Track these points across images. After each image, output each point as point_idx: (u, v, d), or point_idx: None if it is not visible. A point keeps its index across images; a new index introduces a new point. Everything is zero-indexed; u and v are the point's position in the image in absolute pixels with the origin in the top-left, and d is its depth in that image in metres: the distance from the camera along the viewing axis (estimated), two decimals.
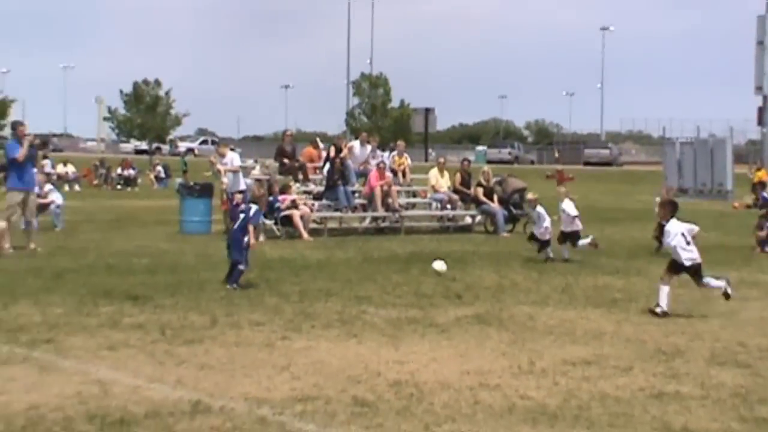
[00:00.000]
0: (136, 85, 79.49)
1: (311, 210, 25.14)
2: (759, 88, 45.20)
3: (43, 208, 24.79)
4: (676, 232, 13.97)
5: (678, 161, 49.05)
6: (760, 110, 45.82)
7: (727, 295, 14.04)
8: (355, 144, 29.17)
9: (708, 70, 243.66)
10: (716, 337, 12.20)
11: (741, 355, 11.10)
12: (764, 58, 44.81)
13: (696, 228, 14.13)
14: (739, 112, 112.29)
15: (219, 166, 24.93)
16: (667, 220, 14.34)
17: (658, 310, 13.67)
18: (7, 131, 68.02)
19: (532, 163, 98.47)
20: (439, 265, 17.20)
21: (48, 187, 26.26)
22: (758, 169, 40.26)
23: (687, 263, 13.89)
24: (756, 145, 58.31)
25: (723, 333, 12.53)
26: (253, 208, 16.26)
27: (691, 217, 33.99)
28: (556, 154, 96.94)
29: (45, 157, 45.60)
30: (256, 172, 26.48)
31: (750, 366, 10.54)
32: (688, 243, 13.87)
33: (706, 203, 42.76)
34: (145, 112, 78.31)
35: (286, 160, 27.37)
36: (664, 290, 13.78)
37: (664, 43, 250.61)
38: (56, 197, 26.54)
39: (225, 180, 24.64)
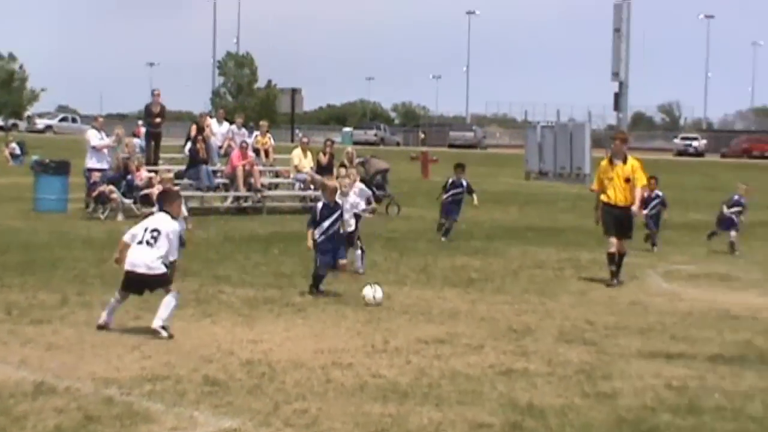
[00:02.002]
0: None
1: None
2: (616, 74, 46.36)
3: None
4: None
5: (539, 144, 49.98)
6: (617, 96, 47.02)
7: None
8: (213, 122, 28.88)
9: (571, 55, 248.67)
10: (566, 316, 12.51)
11: (588, 333, 11.42)
12: (620, 45, 45.97)
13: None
14: (599, 97, 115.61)
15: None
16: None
17: None
18: None
19: (398, 144, 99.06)
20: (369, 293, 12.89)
21: None
22: None
23: None
24: (614, 130, 59.82)
25: (572, 312, 12.86)
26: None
27: (550, 199, 34.65)
28: (421, 136, 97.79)
29: None
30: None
31: (596, 344, 10.85)
32: None
33: (565, 186, 43.73)
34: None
35: (158, 120, 26.95)
36: None
37: (529, 28, 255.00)
38: None
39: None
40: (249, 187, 26.44)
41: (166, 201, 11.35)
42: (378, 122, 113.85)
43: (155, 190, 23.58)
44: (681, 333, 11.59)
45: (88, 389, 8.26)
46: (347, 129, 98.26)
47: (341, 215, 13.89)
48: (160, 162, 27.03)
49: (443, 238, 20.41)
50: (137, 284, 10.77)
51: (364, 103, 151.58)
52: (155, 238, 10.64)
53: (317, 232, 13.51)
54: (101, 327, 10.67)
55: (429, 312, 12.52)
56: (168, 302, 10.56)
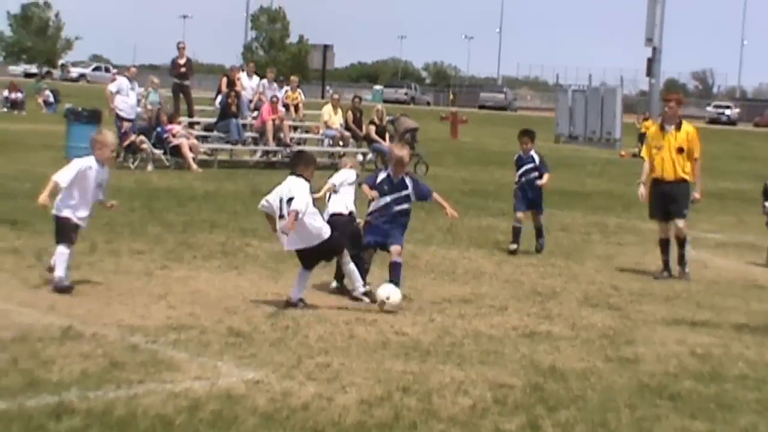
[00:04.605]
0: (24, 6, 77.24)
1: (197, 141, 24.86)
2: (650, 40, 45.88)
3: None
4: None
5: (570, 108, 49.72)
6: (649, 61, 46.57)
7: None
8: (243, 76, 28.89)
9: (605, 19, 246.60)
10: (591, 280, 12.49)
11: (613, 298, 11.40)
12: (655, 10, 45.47)
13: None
14: (632, 62, 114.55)
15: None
16: None
17: None
18: None
19: (428, 104, 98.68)
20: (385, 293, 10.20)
21: None
22: (645, 119, 41.05)
23: None
24: (646, 95, 59.39)
25: (598, 276, 12.84)
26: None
27: (579, 163, 34.50)
28: (451, 97, 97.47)
29: None
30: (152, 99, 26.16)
31: (620, 309, 10.84)
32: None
33: (595, 150, 43.55)
34: (35, 35, 76.16)
35: (183, 71, 27.24)
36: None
37: None
38: None
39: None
40: (278, 141, 26.47)
41: (300, 164, 10.19)
42: (409, 81, 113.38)
43: (184, 141, 23.71)
44: (706, 301, 11.56)
45: (114, 336, 8.35)
46: (378, 87, 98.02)
47: (408, 198, 10.86)
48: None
49: (513, 246, 14.21)
50: (309, 258, 10.07)
51: (396, 62, 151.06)
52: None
53: (371, 206, 10.90)
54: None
55: (454, 272, 12.53)
56: (348, 267, 10.21)
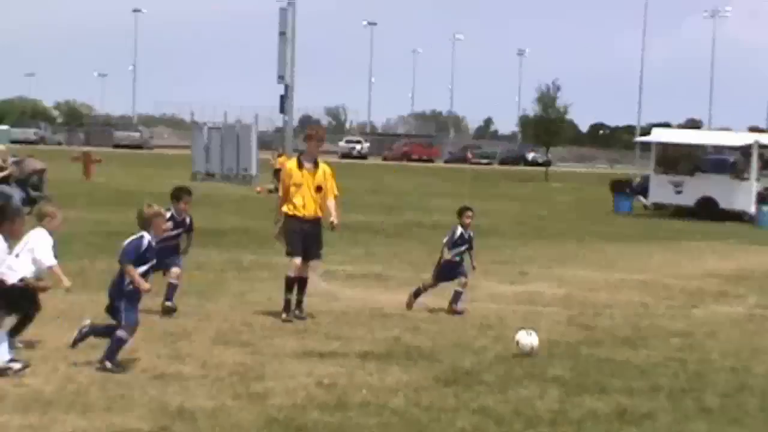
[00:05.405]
0: None
1: None
2: (281, 77, 46.97)
3: None
4: None
5: (206, 146, 49.86)
6: (282, 98, 47.64)
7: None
8: None
9: (240, 57, 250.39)
10: (224, 318, 12.51)
11: (245, 335, 11.48)
12: (286, 49, 46.64)
13: None
14: (268, 99, 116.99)
15: None
16: None
17: None
18: None
19: (60, 144, 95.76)
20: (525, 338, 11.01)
21: None
22: (280, 155, 41.87)
23: None
24: (281, 132, 60.81)
25: (232, 313, 12.88)
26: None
27: (216, 200, 34.62)
28: (81, 136, 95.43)
29: None
30: None
31: (252, 345, 10.93)
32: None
33: (232, 187, 43.85)
34: None
35: None
36: None
37: (198, 29, 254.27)
38: None
39: None
40: None
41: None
42: (38, 120, 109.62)
43: None
44: (335, 332, 11.89)
45: None
46: (4, 127, 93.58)
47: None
48: None
49: None
50: None
51: (24, 100, 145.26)
52: None
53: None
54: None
55: (80, 317, 12.09)
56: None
